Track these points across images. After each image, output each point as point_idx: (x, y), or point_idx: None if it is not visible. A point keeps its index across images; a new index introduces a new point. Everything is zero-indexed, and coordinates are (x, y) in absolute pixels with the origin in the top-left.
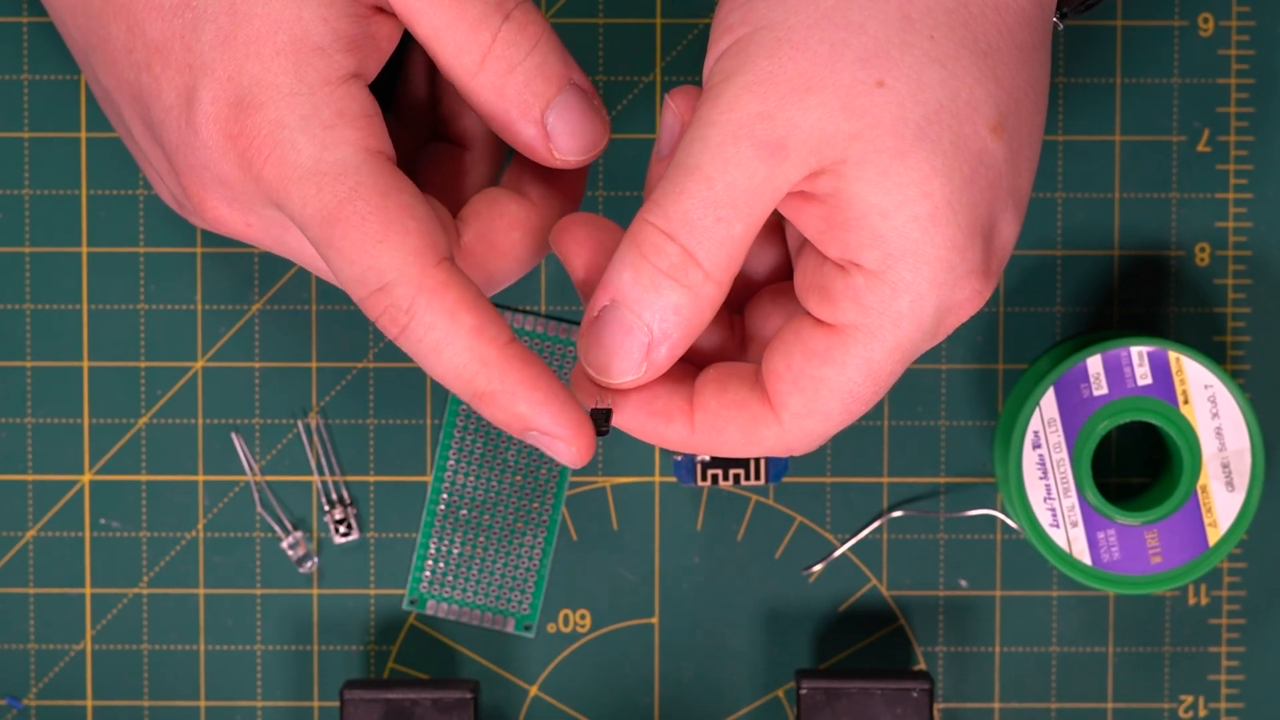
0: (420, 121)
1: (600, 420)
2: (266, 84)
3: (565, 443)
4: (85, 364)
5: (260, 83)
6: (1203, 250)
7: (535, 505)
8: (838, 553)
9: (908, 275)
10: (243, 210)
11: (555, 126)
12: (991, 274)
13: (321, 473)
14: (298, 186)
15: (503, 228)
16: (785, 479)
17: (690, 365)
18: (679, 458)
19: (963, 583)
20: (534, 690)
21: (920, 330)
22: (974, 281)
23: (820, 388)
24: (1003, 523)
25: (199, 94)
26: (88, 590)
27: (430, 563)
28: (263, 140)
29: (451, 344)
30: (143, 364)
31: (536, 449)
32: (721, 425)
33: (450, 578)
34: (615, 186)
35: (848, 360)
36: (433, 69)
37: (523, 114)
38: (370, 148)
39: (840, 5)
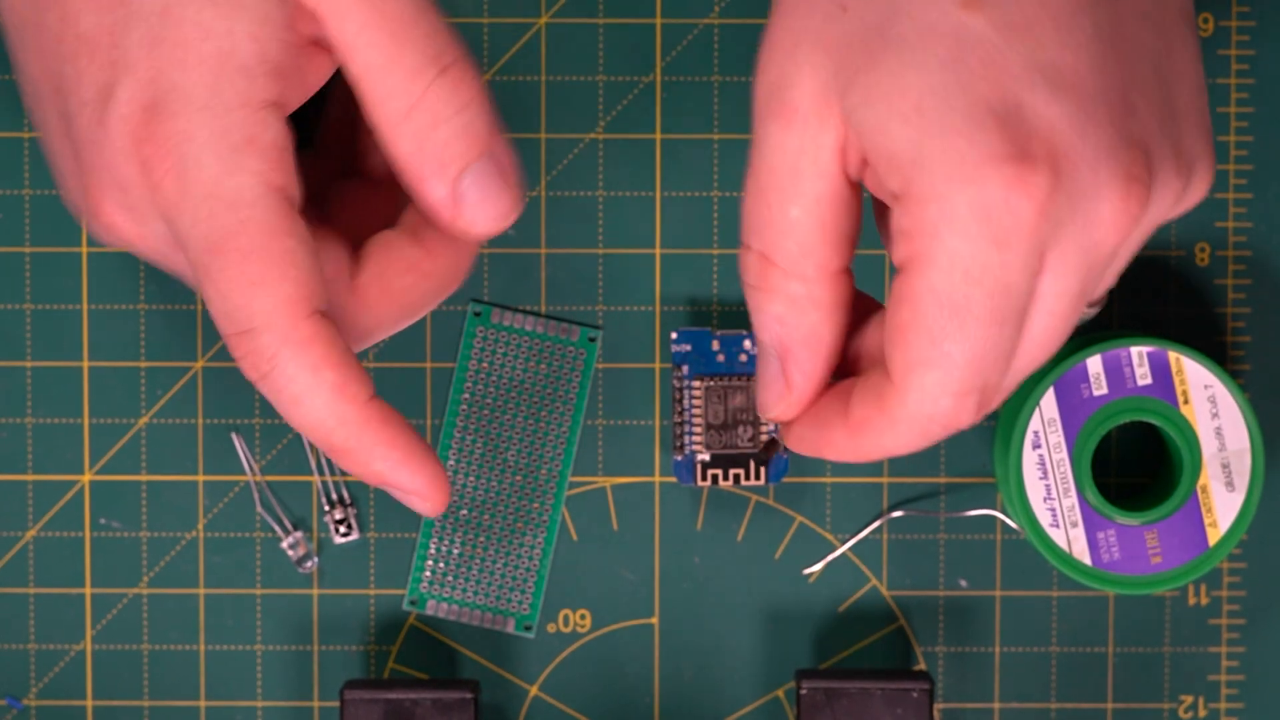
0: (335, 153)
1: (769, 450)
2: (183, 93)
3: (420, 498)
4: (85, 364)
5: (177, 90)
6: (1203, 250)
7: (535, 505)
8: (838, 553)
9: (922, 180)
10: (137, 220)
11: (468, 193)
12: (1036, 158)
13: (321, 473)
14: (190, 205)
15: (396, 271)
16: (785, 479)
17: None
18: (679, 457)
19: (963, 583)
20: (534, 690)
21: (968, 238)
22: (1007, 168)
23: (905, 334)
24: (1003, 523)
25: (116, 92)
26: (88, 590)
27: (430, 563)
28: (167, 150)
29: (311, 399)
30: (143, 364)
31: (537, 449)
32: (867, 415)
33: (450, 578)
34: (614, 187)
35: (915, 295)
36: (354, 102)
37: (437, 173)
38: (271, 183)
39: None
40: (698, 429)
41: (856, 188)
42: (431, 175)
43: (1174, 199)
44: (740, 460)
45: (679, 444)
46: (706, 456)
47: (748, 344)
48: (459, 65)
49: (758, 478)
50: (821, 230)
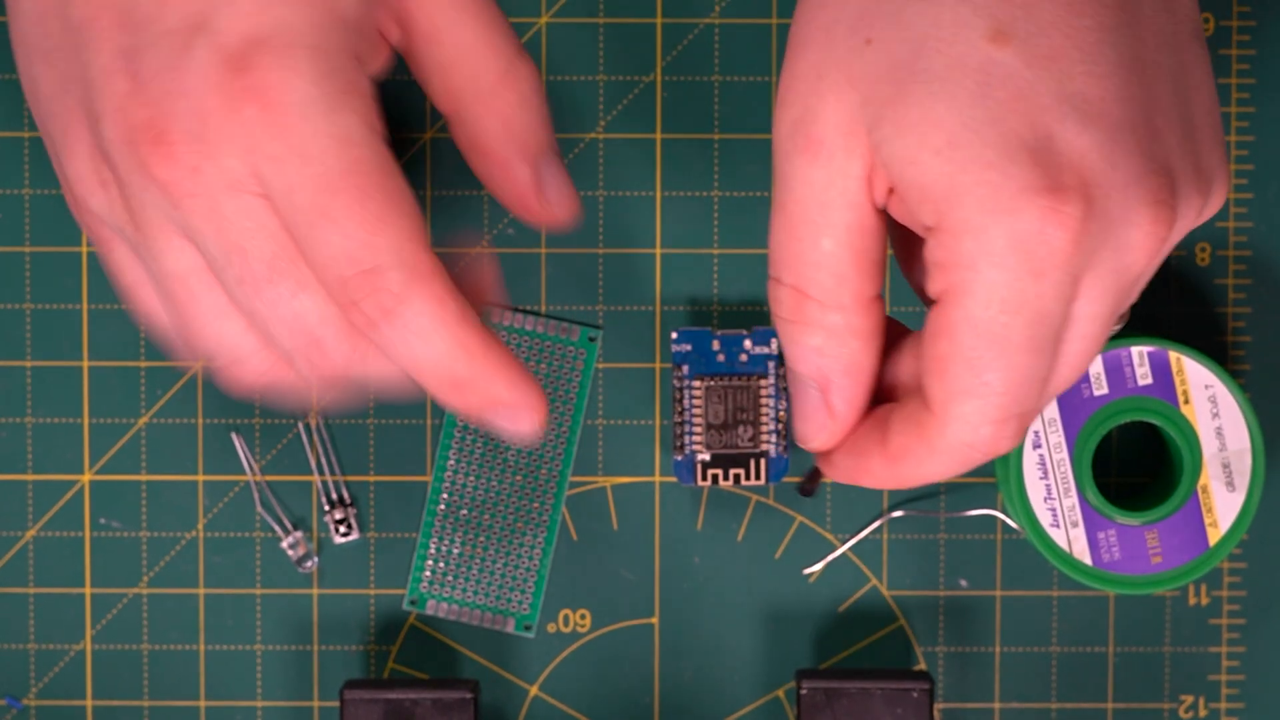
0: None
1: (809, 480)
2: (291, 30)
3: (531, 411)
4: (85, 364)
5: (284, 26)
6: (1203, 250)
7: (535, 505)
8: (838, 553)
9: (957, 213)
10: (203, 153)
11: (546, 179)
12: (1067, 187)
13: (321, 473)
14: (298, 142)
15: None
16: (785, 479)
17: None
18: (679, 457)
19: (963, 583)
20: (534, 690)
21: (1005, 269)
22: (1041, 200)
23: (945, 365)
24: (1003, 523)
25: (213, 21)
26: (87, 590)
27: (430, 563)
28: (271, 83)
29: (438, 332)
30: (143, 364)
31: (537, 449)
32: (905, 443)
33: (450, 578)
34: (614, 187)
35: (952, 327)
36: None
37: (521, 154)
38: (375, 127)
39: None
40: (698, 429)
41: (883, 215)
42: (517, 156)
43: (1196, 215)
44: (740, 460)
45: (679, 444)
46: (707, 456)
47: (748, 344)
48: (531, 61)
49: (758, 477)
50: (854, 260)
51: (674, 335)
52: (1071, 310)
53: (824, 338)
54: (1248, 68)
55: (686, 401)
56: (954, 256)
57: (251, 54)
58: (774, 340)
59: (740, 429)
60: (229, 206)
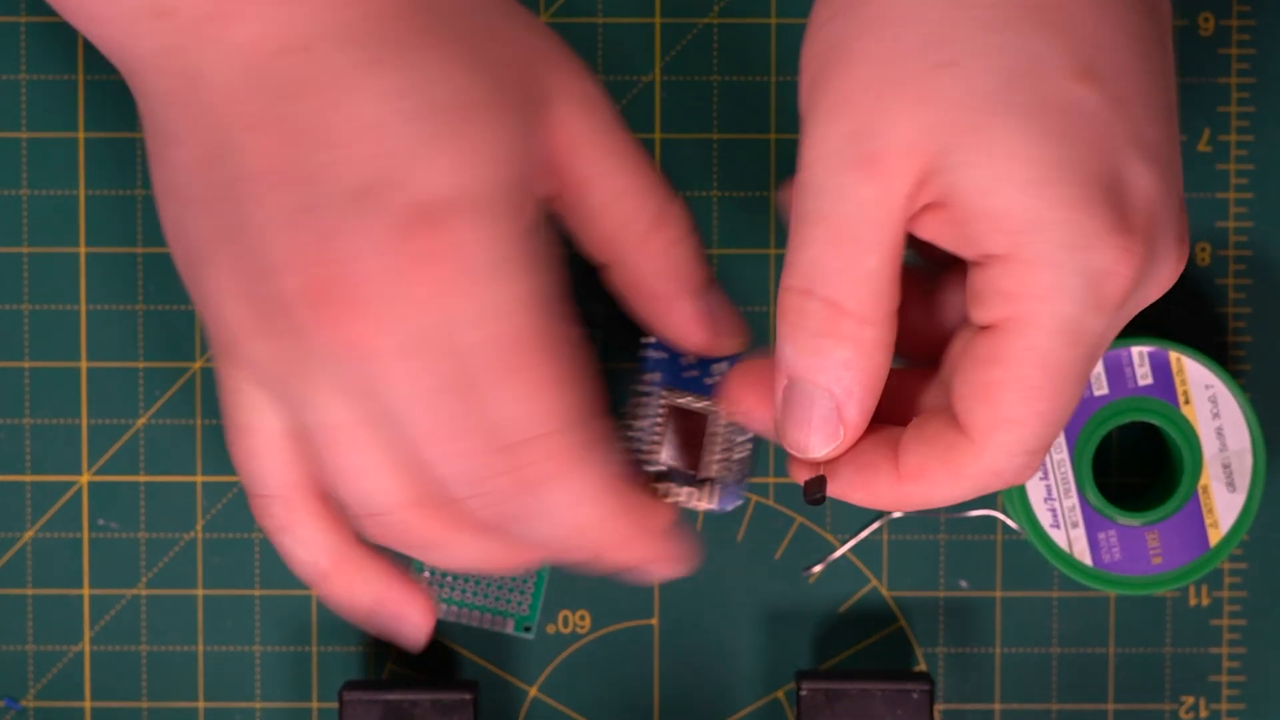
0: None
1: (814, 489)
2: (483, 191)
3: (674, 562)
4: (84, 364)
5: (477, 188)
6: (1203, 250)
7: None
8: (838, 553)
9: (1037, 247)
10: (391, 313)
11: (713, 310)
12: (1136, 229)
13: None
14: (491, 304)
15: None
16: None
17: (899, 427)
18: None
19: (963, 583)
20: (534, 691)
21: (1075, 303)
22: (1115, 239)
23: (997, 392)
24: (1003, 523)
25: (398, 180)
26: (86, 591)
27: None
28: (465, 244)
29: (596, 499)
30: (141, 364)
31: None
32: (923, 465)
33: (450, 578)
34: None
35: (1013, 355)
36: None
37: (685, 289)
38: (541, 292)
39: (889, 3)
40: (655, 441)
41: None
42: (681, 291)
43: None
44: (693, 481)
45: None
46: (663, 468)
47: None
48: (677, 196)
49: (710, 503)
50: (892, 276)
51: (649, 340)
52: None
53: (854, 352)
54: (1248, 67)
55: (651, 409)
56: (1025, 288)
57: (443, 214)
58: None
59: (697, 451)
60: (414, 365)
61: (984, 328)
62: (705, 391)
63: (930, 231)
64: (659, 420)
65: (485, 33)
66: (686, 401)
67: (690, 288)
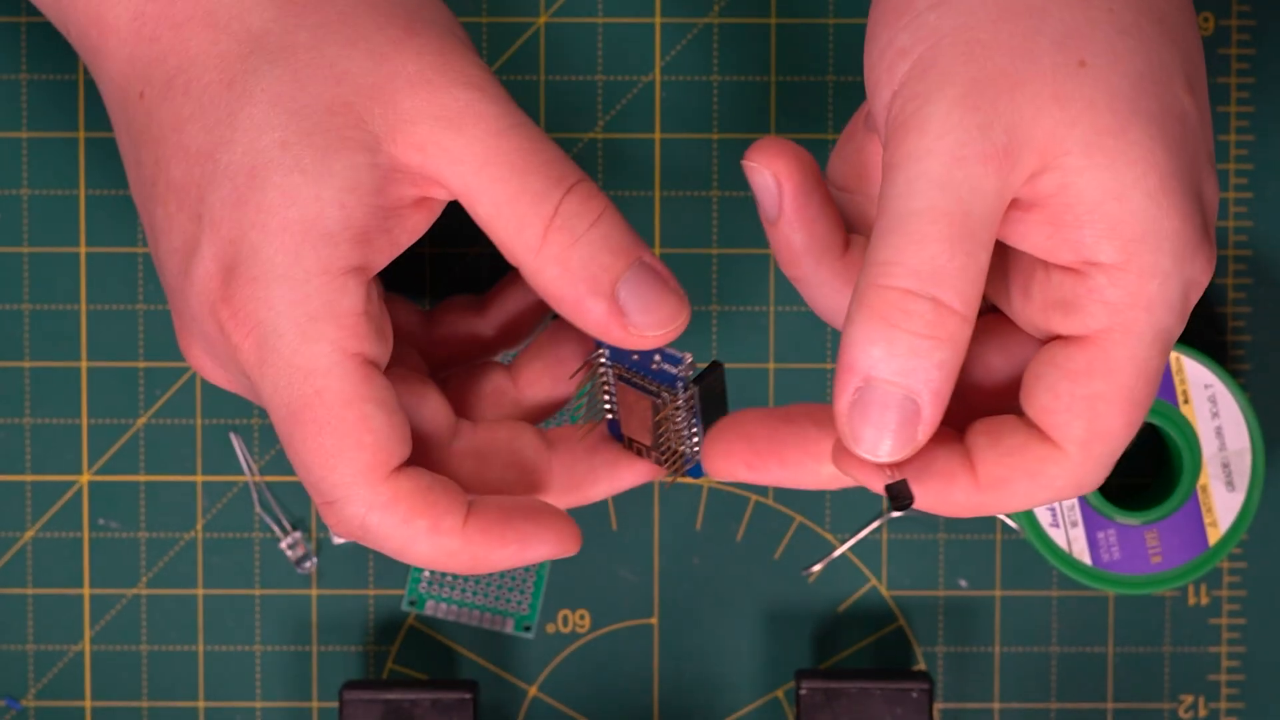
0: None
1: (903, 494)
2: (263, 259)
3: (558, 554)
4: (84, 364)
5: (257, 255)
6: None
7: None
8: (838, 553)
9: (1150, 257)
10: (223, 368)
11: (628, 303)
12: (1211, 239)
13: None
14: (269, 372)
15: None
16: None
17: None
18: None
19: (962, 583)
20: (533, 691)
21: (1173, 314)
22: (1205, 249)
23: (1098, 405)
24: (1002, 523)
25: (200, 248)
26: (86, 591)
27: None
28: (245, 315)
29: (414, 546)
30: (141, 364)
31: None
32: (1006, 475)
33: (449, 578)
34: (613, 187)
35: (1115, 367)
36: None
37: (590, 290)
38: (348, 349)
39: None
40: (609, 411)
41: None
42: (585, 294)
43: None
44: (646, 453)
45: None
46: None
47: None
48: (583, 183)
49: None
50: (987, 273)
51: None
52: None
53: (952, 352)
54: (1247, 67)
55: (608, 378)
56: (1133, 297)
57: (228, 284)
58: (679, 364)
59: (647, 424)
60: (259, 402)
61: (1073, 339)
62: (649, 374)
63: (1013, 231)
64: (608, 393)
65: (311, 73)
66: (632, 380)
67: (596, 289)
